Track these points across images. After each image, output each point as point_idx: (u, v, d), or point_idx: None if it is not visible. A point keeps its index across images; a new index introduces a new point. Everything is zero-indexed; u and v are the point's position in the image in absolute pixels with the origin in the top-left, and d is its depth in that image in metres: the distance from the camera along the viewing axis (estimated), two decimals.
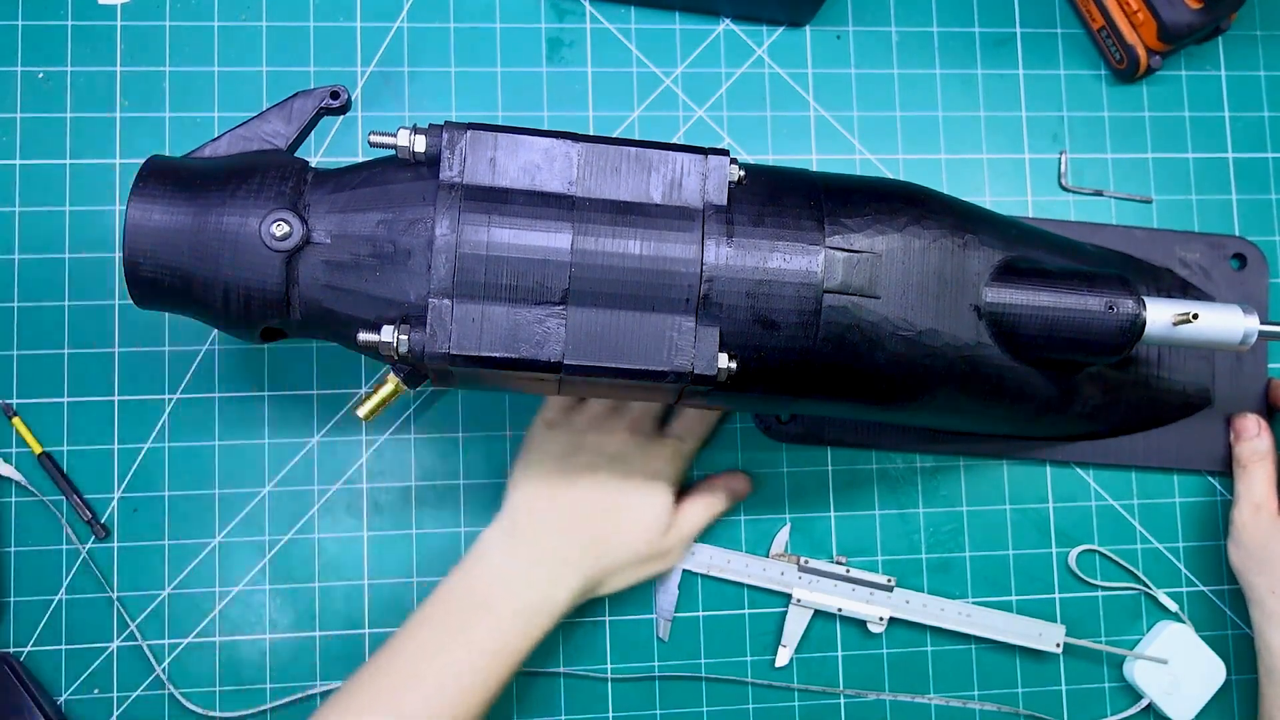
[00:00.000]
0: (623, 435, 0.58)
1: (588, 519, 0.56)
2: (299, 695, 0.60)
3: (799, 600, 0.62)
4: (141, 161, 0.48)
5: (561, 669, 0.62)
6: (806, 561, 0.62)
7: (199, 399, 0.61)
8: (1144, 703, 0.64)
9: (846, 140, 0.66)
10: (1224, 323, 0.53)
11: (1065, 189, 0.67)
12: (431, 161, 0.46)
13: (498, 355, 0.45)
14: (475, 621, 0.53)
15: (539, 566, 0.55)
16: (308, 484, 0.61)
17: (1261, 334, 0.54)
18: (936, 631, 0.63)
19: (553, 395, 0.53)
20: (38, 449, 0.60)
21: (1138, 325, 0.51)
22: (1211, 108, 0.68)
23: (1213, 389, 0.65)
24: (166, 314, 0.61)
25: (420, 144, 0.46)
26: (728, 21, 0.66)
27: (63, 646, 0.59)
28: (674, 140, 0.62)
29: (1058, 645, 0.63)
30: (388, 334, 0.45)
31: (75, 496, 0.59)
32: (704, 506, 0.60)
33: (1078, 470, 0.65)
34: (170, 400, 0.61)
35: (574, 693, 0.62)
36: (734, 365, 0.46)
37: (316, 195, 0.47)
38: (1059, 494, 0.65)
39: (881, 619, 0.62)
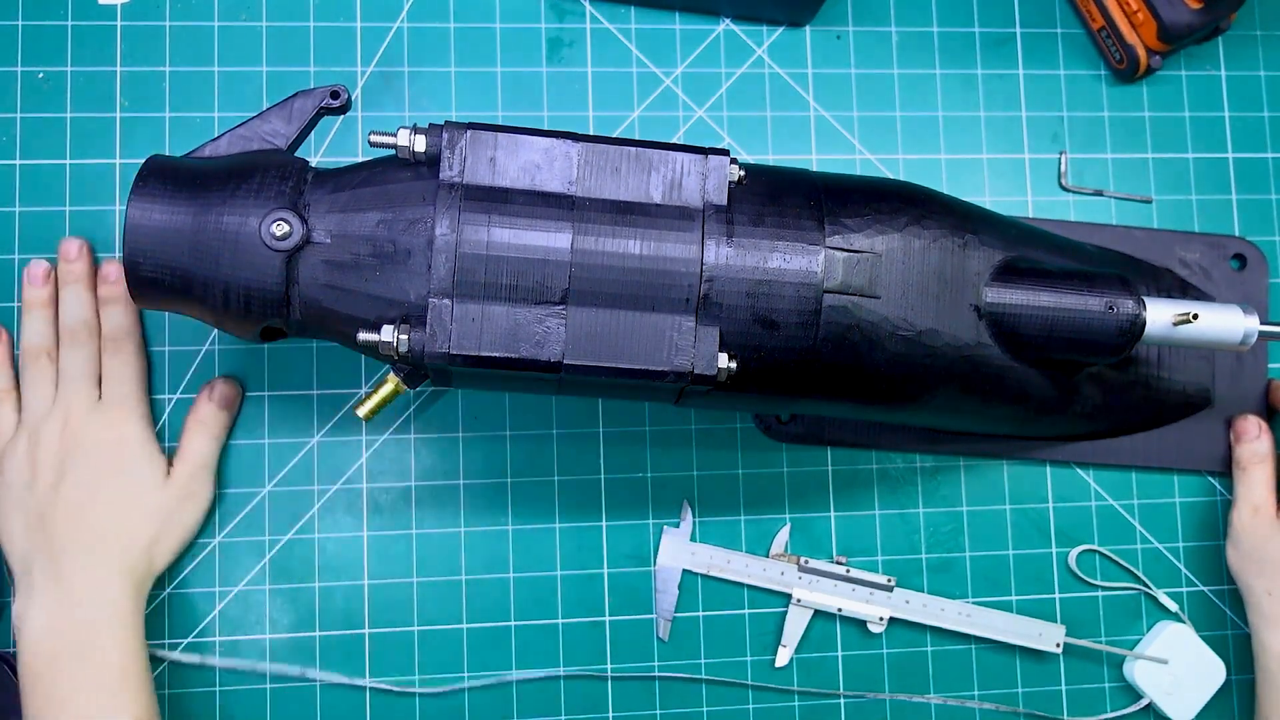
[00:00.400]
0: (57, 428, 0.55)
1: (86, 536, 0.54)
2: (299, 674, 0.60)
3: (799, 600, 0.62)
4: (141, 161, 0.48)
5: (561, 670, 0.62)
6: (806, 561, 0.62)
7: None
8: (1144, 702, 0.64)
9: (846, 140, 0.66)
10: (1224, 323, 0.53)
11: (1065, 189, 0.67)
12: (431, 161, 0.46)
13: (497, 355, 0.45)
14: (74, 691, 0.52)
15: (77, 610, 0.53)
16: (308, 484, 0.61)
17: (1261, 334, 0.54)
18: (936, 631, 0.63)
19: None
20: None
21: (1138, 325, 0.51)
22: (1211, 108, 0.68)
23: (1213, 389, 0.65)
24: (167, 314, 0.61)
25: (420, 144, 0.46)
26: (728, 21, 0.66)
27: None
28: (674, 140, 0.62)
29: (1058, 645, 0.63)
30: (387, 334, 0.45)
31: None
32: (198, 438, 0.58)
33: (1078, 470, 0.65)
34: (171, 400, 0.61)
35: (574, 693, 0.62)
36: (734, 365, 0.46)
37: (316, 195, 0.47)
38: (1059, 494, 0.65)
39: (881, 619, 0.62)
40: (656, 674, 0.62)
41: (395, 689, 0.60)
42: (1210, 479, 0.66)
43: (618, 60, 0.65)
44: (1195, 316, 0.52)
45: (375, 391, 0.54)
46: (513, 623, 0.62)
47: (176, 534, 0.58)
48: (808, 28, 0.67)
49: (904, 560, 0.64)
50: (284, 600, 0.61)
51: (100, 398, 0.57)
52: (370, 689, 0.60)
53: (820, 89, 0.66)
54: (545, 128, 0.48)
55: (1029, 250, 0.54)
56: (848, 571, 0.62)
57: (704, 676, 0.62)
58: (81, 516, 0.54)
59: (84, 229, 0.61)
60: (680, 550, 0.62)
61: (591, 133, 0.55)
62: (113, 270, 0.57)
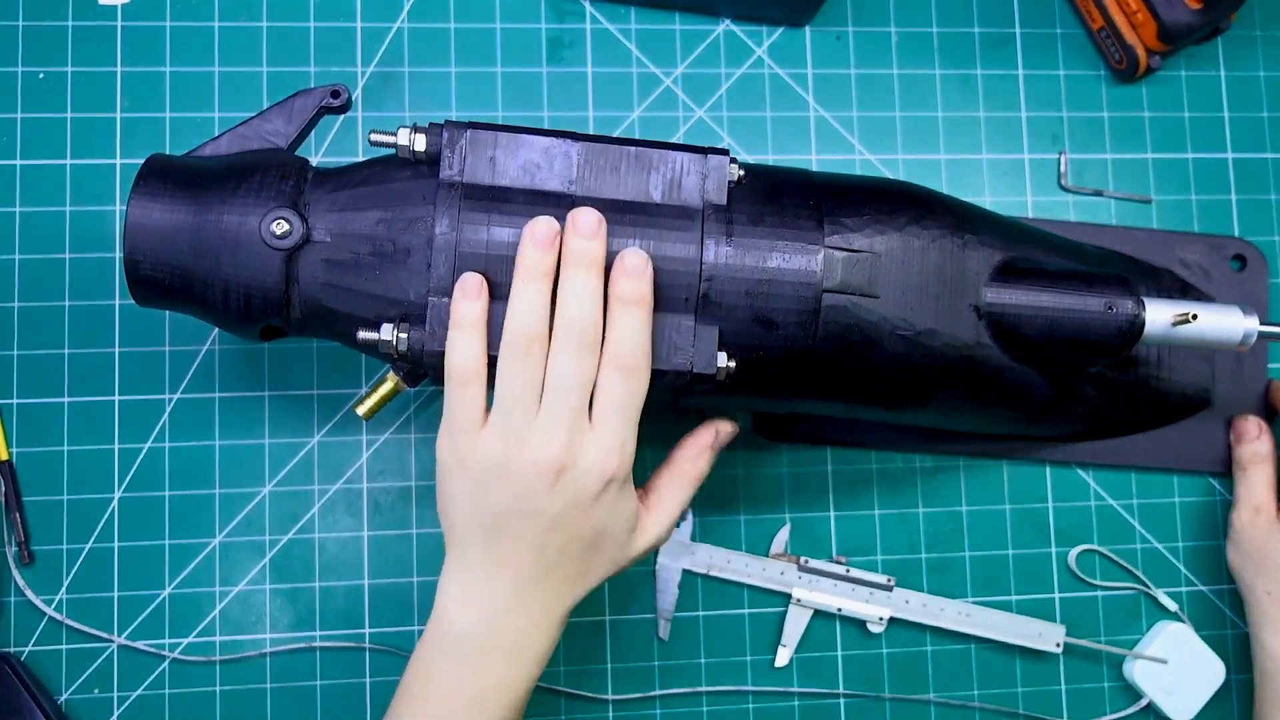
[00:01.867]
0: (545, 443, 0.44)
1: (556, 557, 0.46)
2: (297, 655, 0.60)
3: (799, 600, 0.62)
4: (141, 161, 0.48)
5: (562, 688, 0.62)
6: (806, 561, 0.62)
7: (199, 399, 0.61)
8: (1144, 702, 0.64)
9: (846, 140, 0.66)
10: (1224, 323, 0.53)
11: (1065, 189, 0.67)
12: (431, 160, 0.46)
13: (497, 354, 0.45)
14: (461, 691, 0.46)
15: (513, 618, 0.46)
16: (308, 484, 0.61)
17: (1261, 335, 0.54)
18: (936, 631, 0.63)
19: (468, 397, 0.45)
20: (3, 455, 0.60)
21: (1137, 326, 0.51)
22: (1211, 108, 0.68)
23: (1213, 390, 0.65)
24: (167, 314, 0.61)
25: (420, 143, 0.46)
26: (728, 22, 0.66)
27: (63, 646, 0.59)
28: (674, 140, 0.62)
29: (1057, 645, 0.63)
30: (387, 332, 0.45)
31: (16, 514, 0.59)
32: (671, 504, 0.50)
33: (1078, 470, 0.65)
34: (170, 400, 0.61)
35: (573, 693, 0.62)
36: (733, 364, 0.46)
37: (316, 194, 0.47)
38: (1059, 494, 0.65)
39: (881, 619, 0.62)
40: (657, 692, 0.62)
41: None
42: (1210, 479, 0.66)
43: (618, 60, 0.65)
44: (1195, 317, 0.52)
45: (375, 390, 0.54)
46: None
47: (597, 584, 0.49)
48: (808, 28, 0.67)
49: (904, 560, 0.64)
50: (284, 600, 0.61)
51: (590, 421, 0.45)
52: (370, 687, 0.60)
53: (820, 89, 0.66)
54: (545, 128, 0.48)
55: (1029, 250, 0.54)
56: (848, 571, 0.62)
57: (704, 689, 0.62)
58: (548, 541, 0.46)
59: (84, 229, 0.61)
60: (680, 550, 0.62)
61: (591, 133, 0.55)
62: (639, 262, 0.44)
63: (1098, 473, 0.65)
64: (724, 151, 0.48)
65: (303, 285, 0.46)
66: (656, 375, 0.46)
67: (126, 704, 0.59)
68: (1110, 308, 0.51)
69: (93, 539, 0.60)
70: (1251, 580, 0.62)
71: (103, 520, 0.60)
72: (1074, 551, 0.65)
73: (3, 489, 0.59)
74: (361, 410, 0.55)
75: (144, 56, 0.62)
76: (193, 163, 0.48)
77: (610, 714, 0.62)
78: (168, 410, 0.61)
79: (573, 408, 0.44)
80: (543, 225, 0.43)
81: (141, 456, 0.60)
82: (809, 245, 0.47)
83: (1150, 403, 0.63)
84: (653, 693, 0.62)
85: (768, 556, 0.63)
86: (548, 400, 0.44)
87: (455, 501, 0.46)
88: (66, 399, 0.60)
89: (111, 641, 0.59)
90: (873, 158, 0.66)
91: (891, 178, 0.62)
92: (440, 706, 0.46)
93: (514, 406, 0.44)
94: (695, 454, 0.51)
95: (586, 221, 0.44)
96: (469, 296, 0.44)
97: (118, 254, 0.61)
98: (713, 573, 0.62)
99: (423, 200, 0.45)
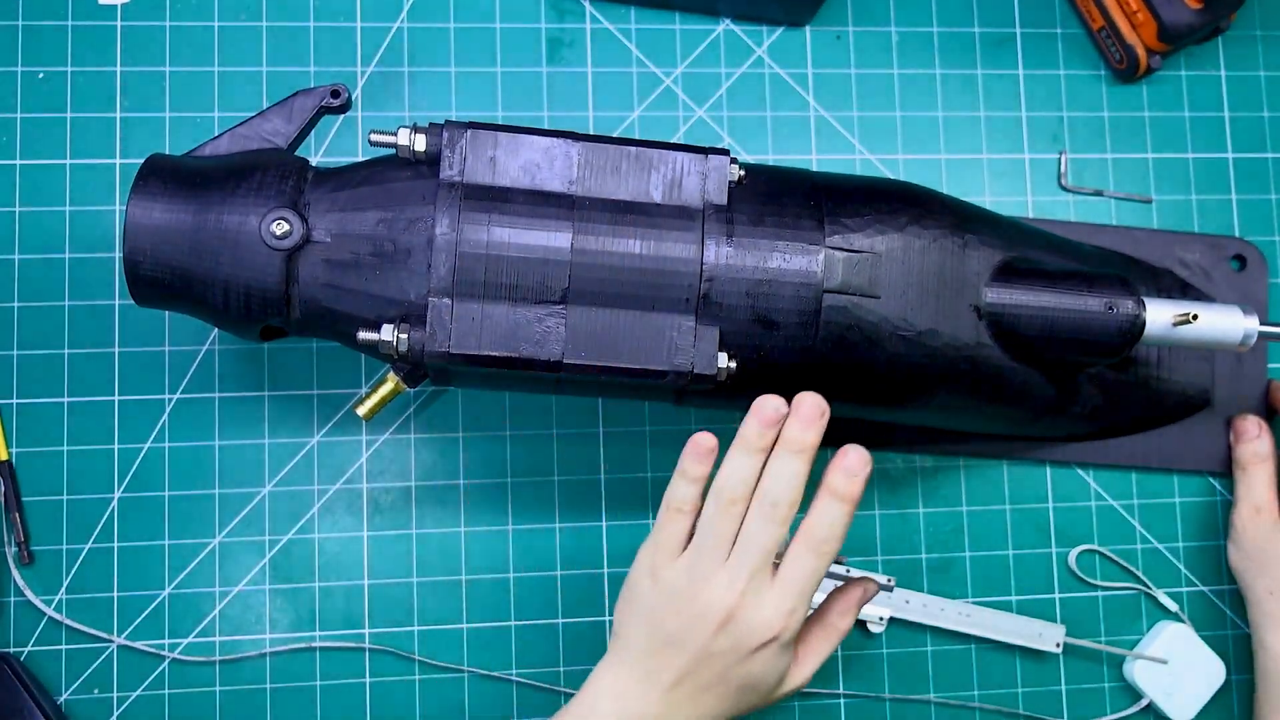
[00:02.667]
0: (724, 583, 0.47)
1: (706, 685, 0.48)
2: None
3: None
4: (141, 161, 0.48)
5: (562, 688, 0.62)
6: None
7: (199, 399, 0.61)
8: (1144, 702, 0.64)
9: (846, 140, 0.66)
10: (1224, 323, 0.53)
11: (1065, 189, 0.67)
12: (432, 161, 0.46)
13: (497, 354, 0.45)
14: None
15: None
16: (308, 484, 0.61)
17: (1261, 335, 0.54)
18: (936, 631, 0.63)
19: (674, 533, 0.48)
20: (3, 455, 0.60)
21: (1137, 326, 0.51)
22: (1211, 108, 0.68)
23: (1213, 390, 0.65)
24: (166, 314, 0.61)
25: (420, 143, 0.46)
26: (728, 21, 0.66)
27: (63, 646, 0.59)
28: (674, 140, 0.62)
29: (1058, 645, 0.63)
30: (387, 333, 0.45)
31: (15, 514, 0.59)
32: (816, 656, 0.51)
33: (1078, 470, 0.65)
34: (170, 400, 0.61)
35: (573, 693, 0.62)
36: (734, 365, 0.46)
37: (317, 194, 0.47)
38: (1059, 494, 0.65)
39: (881, 619, 0.62)
40: None
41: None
42: (1210, 479, 0.66)
43: (618, 60, 0.65)
44: (1195, 317, 0.52)
45: (375, 391, 0.54)
46: (513, 623, 0.62)
47: (755, 709, 0.51)
48: (808, 28, 0.67)
49: (904, 560, 0.64)
50: (284, 600, 0.61)
51: (771, 583, 0.48)
52: (370, 687, 0.60)
53: (820, 89, 0.66)
54: (545, 128, 0.48)
55: (1029, 250, 0.54)
56: (848, 571, 0.62)
57: None
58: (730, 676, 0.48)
59: (84, 229, 0.61)
60: None
61: (591, 133, 0.55)
62: (857, 462, 0.47)
63: (1098, 473, 0.65)
64: (724, 151, 0.48)
65: (303, 285, 0.46)
66: (657, 375, 0.46)
67: (126, 704, 0.59)
68: (1110, 308, 0.51)
69: (92, 539, 0.60)
70: (1252, 580, 0.62)
71: (102, 520, 0.60)
72: (1074, 551, 0.65)
73: (3, 489, 0.59)
74: (361, 410, 0.55)
75: (144, 56, 0.62)
76: (193, 163, 0.48)
77: None
78: (167, 410, 0.61)
79: (754, 568, 0.47)
80: (771, 406, 0.46)
81: (141, 456, 0.60)
82: (809, 245, 0.47)
83: (1150, 403, 0.63)
84: None
85: None
86: (736, 554, 0.47)
87: (634, 607, 0.49)
88: (66, 399, 0.60)
89: (111, 641, 0.59)
90: (873, 157, 0.66)
91: (892, 178, 0.62)
92: None
93: (707, 551, 0.47)
94: (845, 609, 0.52)
95: (809, 411, 0.46)
96: (700, 459, 0.47)
97: (118, 254, 0.61)
98: None
99: (423, 200, 0.45)
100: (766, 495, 0.47)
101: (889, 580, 0.62)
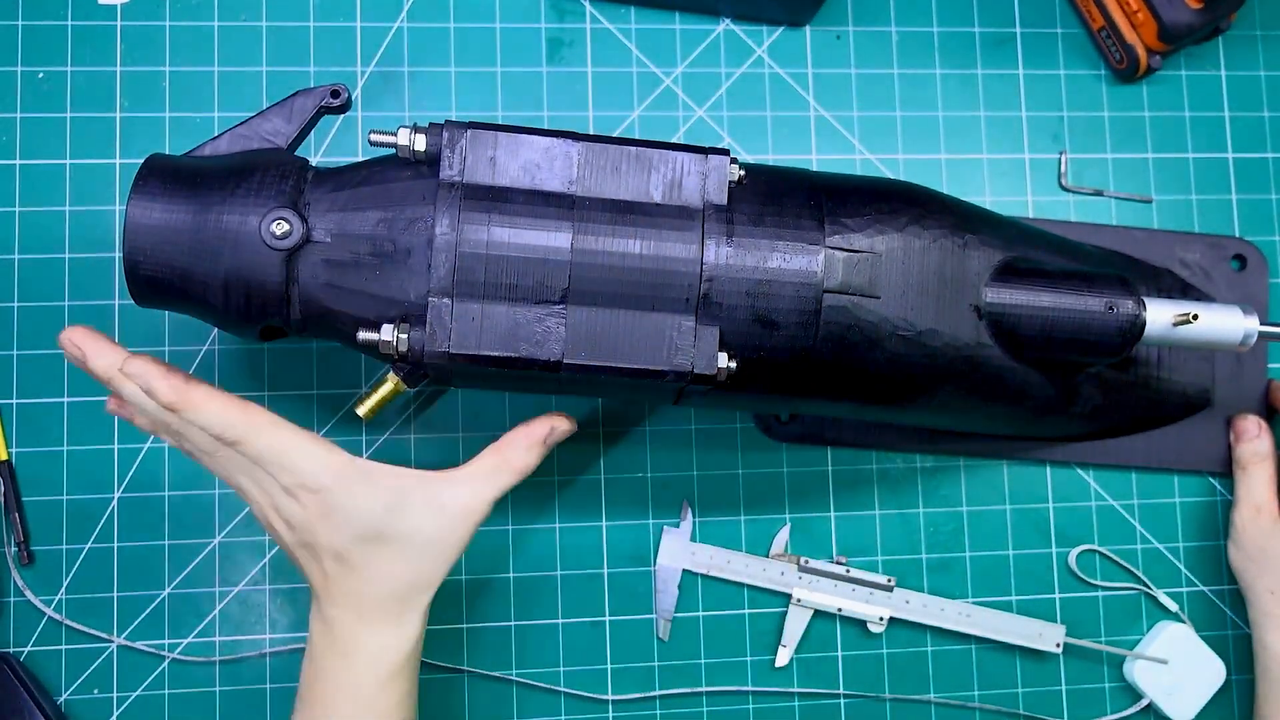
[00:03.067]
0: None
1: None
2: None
3: (799, 600, 0.62)
4: (141, 161, 0.48)
5: (562, 688, 0.62)
6: (806, 561, 0.62)
7: None
8: (1144, 703, 0.64)
9: (846, 140, 0.66)
10: (1224, 323, 0.53)
11: (1065, 189, 0.67)
12: (432, 160, 0.46)
13: (497, 354, 0.45)
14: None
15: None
16: None
17: (1261, 335, 0.54)
18: (936, 631, 0.63)
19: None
20: (3, 455, 0.60)
21: (1137, 326, 0.51)
22: (1211, 108, 0.68)
23: (1213, 390, 0.65)
24: (167, 313, 0.61)
25: (420, 143, 0.46)
26: (728, 21, 0.66)
27: (63, 646, 0.59)
28: (674, 140, 0.62)
29: (1058, 645, 0.63)
30: (387, 333, 0.45)
31: (15, 514, 0.59)
32: (487, 483, 0.50)
33: (1078, 470, 0.65)
34: None
35: (573, 693, 0.62)
36: (734, 365, 0.46)
37: (317, 194, 0.47)
38: (1059, 494, 0.65)
39: (881, 619, 0.62)
40: (657, 692, 0.62)
41: None
42: (1210, 479, 0.66)
43: (618, 60, 0.65)
44: (1195, 317, 0.52)
45: (375, 390, 0.54)
46: (513, 623, 0.62)
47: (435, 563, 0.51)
48: (808, 28, 0.67)
49: (904, 560, 0.64)
50: (284, 600, 0.61)
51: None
52: None
53: (820, 89, 0.66)
54: (545, 128, 0.48)
55: (1029, 250, 0.54)
56: (848, 571, 0.62)
57: (704, 688, 0.62)
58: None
59: (84, 229, 0.61)
60: (680, 550, 0.62)
61: (591, 132, 0.55)
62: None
63: (1098, 473, 0.65)
64: (724, 151, 0.48)
65: (303, 285, 0.46)
66: (657, 375, 0.46)
67: (126, 704, 0.59)
68: (1110, 308, 0.51)
69: (92, 539, 0.60)
70: (1253, 579, 0.62)
71: (102, 520, 0.60)
72: (1074, 551, 0.65)
73: (2, 489, 0.59)
74: (361, 410, 0.55)
75: (143, 56, 0.62)
76: (192, 162, 0.48)
77: (610, 714, 0.62)
78: None
79: None
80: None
81: (141, 456, 0.60)
82: (810, 245, 0.47)
83: (1150, 403, 0.63)
84: (653, 693, 0.62)
85: (768, 557, 0.63)
86: None
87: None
88: (66, 399, 0.60)
89: (111, 642, 0.59)
90: (873, 157, 0.66)
91: (892, 177, 0.62)
92: None
93: None
94: (527, 446, 0.51)
95: None
96: None
97: (117, 254, 0.61)
98: (713, 573, 0.62)
99: (423, 200, 0.45)
100: None
101: (889, 580, 0.62)
